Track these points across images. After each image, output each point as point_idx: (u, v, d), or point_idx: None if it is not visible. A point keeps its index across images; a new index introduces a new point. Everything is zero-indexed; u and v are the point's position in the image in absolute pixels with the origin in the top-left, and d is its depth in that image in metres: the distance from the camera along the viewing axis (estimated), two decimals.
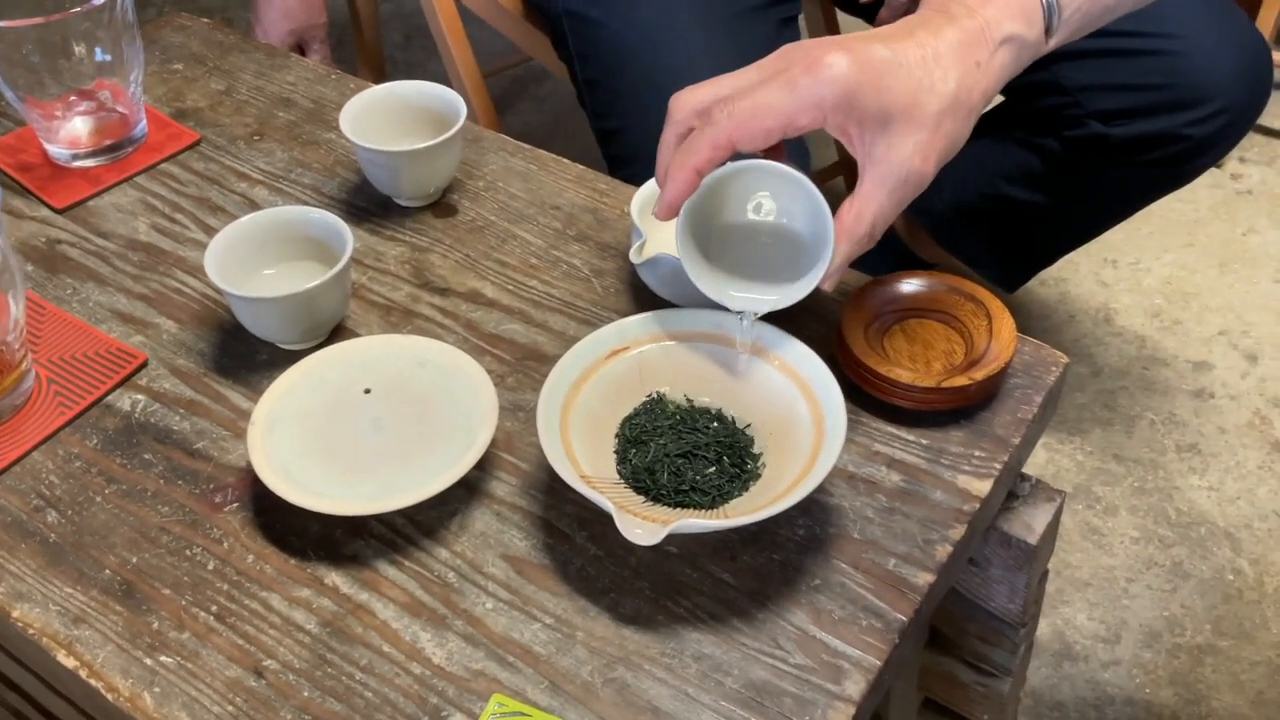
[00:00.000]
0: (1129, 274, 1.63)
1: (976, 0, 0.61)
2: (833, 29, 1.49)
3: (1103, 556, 1.30)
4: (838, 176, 1.60)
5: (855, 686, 0.57)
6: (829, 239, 0.62)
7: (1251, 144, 1.83)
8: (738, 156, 0.63)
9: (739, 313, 0.66)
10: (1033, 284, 1.58)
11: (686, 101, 0.62)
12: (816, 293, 0.63)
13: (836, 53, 0.58)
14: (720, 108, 0.60)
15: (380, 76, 1.69)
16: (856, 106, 0.58)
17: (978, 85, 0.61)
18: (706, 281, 0.66)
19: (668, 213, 0.63)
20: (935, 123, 0.60)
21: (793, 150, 1.02)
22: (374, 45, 1.67)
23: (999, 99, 1.22)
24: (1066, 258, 1.38)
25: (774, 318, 0.67)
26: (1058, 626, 1.23)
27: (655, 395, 0.67)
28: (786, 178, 0.64)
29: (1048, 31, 0.63)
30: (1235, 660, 1.20)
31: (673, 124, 0.62)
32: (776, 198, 0.66)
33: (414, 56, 2.09)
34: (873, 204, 0.61)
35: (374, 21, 1.65)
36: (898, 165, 0.60)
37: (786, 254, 0.66)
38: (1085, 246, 1.32)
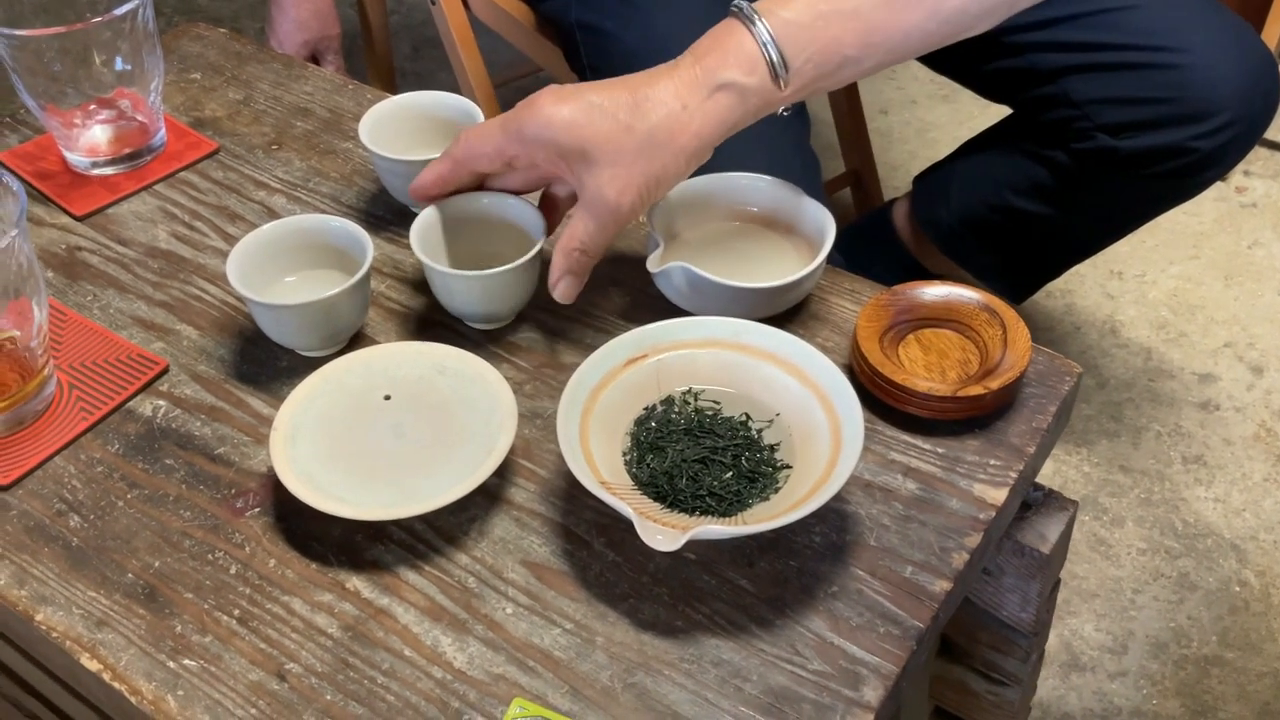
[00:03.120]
0: (1135, 286, 1.64)
1: (703, 49, 0.68)
2: None
3: (1110, 568, 1.30)
4: (845, 188, 1.61)
5: (873, 693, 0.57)
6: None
7: (1256, 157, 1.84)
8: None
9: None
10: (1039, 296, 1.59)
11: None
12: (828, 302, 0.63)
13: (549, 99, 0.67)
14: (462, 134, 0.72)
15: (390, 87, 1.70)
16: (557, 144, 0.67)
17: (685, 127, 0.67)
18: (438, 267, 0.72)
19: (418, 195, 0.75)
20: (631, 160, 0.67)
21: (805, 163, 1.03)
22: (384, 56, 1.68)
23: (1007, 111, 1.23)
24: (1073, 270, 1.39)
25: (788, 326, 0.67)
26: (1065, 637, 1.23)
27: (668, 399, 0.68)
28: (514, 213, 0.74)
29: (776, 80, 0.67)
30: (1242, 672, 1.20)
31: None
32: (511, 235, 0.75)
33: (423, 67, 2.10)
34: (578, 226, 0.69)
35: (384, 33, 1.66)
36: (596, 196, 0.68)
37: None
38: (1091, 259, 1.33)
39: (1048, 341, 1.55)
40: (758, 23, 0.67)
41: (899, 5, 0.67)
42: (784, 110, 0.70)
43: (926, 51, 0.70)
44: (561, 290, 0.72)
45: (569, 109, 0.67)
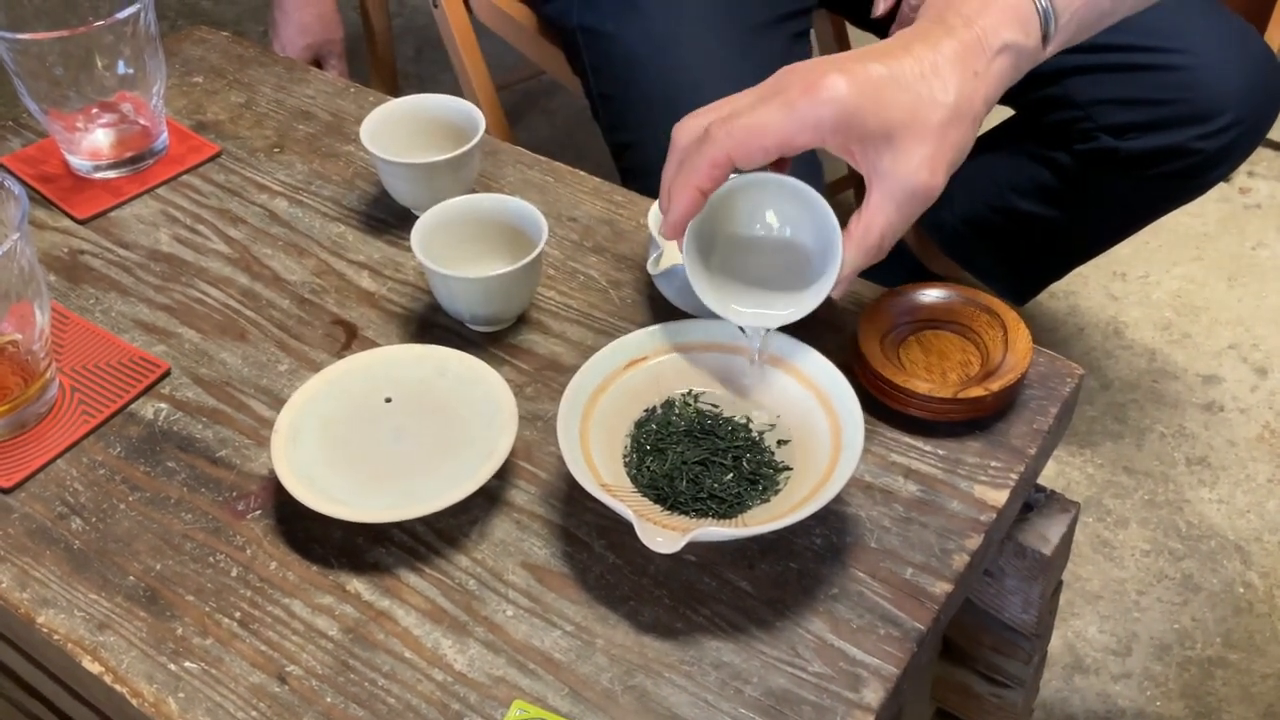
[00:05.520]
0: (1138, 287, 1.63)
1: (973, 10, 0.62)
2: (843, 44, 1.50)
3: (1113, 569, 1.30)
4: (848, 190, 1.61)
5: (874, 695, 0.57)
6: (837, 250, 0.63)
7: (1260, 158, 1.83)
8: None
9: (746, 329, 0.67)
10: (1042, 297, 1.59)
11: (688, 128, 0.63)
12: (829, 303, 0.64)
13: (834, 74, 0.59)
14: (719, 126, 0.61)
15: (393, 90, 1.70)
16: (856, 125, 0.59)
17: (977, 93, 0.61)
18: (715, 299, 0.66)
19: (673, 232, 0.64)
20: (940, 134, 0.60)
21: (804, 164, 1.03)
22: (387, 59, 1.68)
23: (1009, 112, 1.23)
24: (1076, 271, 1.39)
25: (789, 329, 0.67)
26: (1068, 639, 1.23)
27: (668, 401, 0.68)
28: (793, 191, 0.65)
29: (1045, 39, 0.63)
30: (1246, 673, 1.20)
31: (675, 150, 0.63)
32: (782, 212, 0.66)
33: (425, 70, 2.10)
34: (880, 216, 0.62)
35: (387, 35, 1.67)
36: (905, 178, 0.61)
37: (794, 268, 0.67)
38: (1094, 260, 1.33)
39: (1051, 343, 1.54)
40: None
41: None
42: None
43: None
44: (843, 290, 0.64)
45: (858, 84, 0.59)
